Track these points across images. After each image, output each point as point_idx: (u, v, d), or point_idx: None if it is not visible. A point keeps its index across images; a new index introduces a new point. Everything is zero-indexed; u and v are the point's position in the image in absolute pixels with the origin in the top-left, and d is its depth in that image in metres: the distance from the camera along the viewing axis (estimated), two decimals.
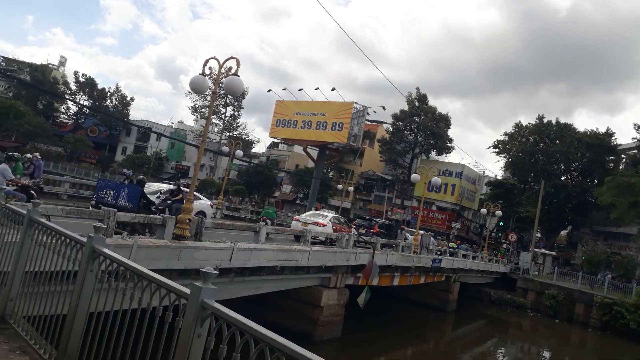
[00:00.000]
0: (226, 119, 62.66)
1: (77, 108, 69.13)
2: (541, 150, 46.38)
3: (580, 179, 45.52)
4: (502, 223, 44.18)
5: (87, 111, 66.59)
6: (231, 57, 9.90)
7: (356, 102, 41.86)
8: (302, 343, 2.01)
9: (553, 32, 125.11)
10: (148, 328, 2.81)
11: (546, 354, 21.74)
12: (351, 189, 41.17)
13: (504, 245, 43.85)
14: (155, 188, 14.03)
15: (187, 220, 9.23)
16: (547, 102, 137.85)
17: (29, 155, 11.36)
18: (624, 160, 43.93)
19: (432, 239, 24.45)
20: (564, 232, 52.63)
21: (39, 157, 13.91)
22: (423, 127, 51.28)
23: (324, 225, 17.41)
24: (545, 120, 46.77)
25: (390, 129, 54.82)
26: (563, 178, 46.83)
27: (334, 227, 17.74)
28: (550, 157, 45.78)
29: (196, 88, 10.41)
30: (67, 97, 63.41)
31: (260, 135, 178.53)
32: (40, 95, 65.41)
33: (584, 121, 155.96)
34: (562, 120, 47.66)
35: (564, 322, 26.82)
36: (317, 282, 13.95)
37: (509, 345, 22.68)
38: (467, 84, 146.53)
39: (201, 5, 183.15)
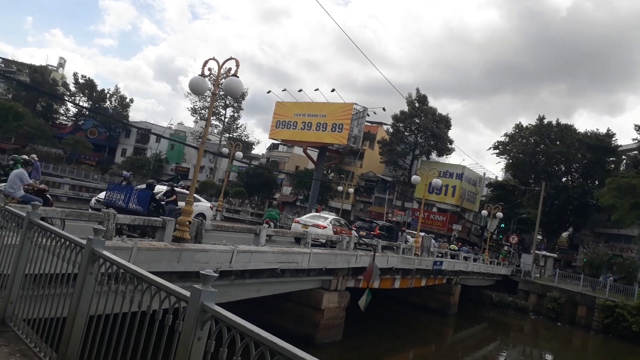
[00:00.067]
0: (226, 120, 62.71)
1: (76, 109, 69.21)
2: (542, 152, 46.38)
3: (581, 180, 45.52)
4: (503, 225, 44.13)
5: (87, 113, 66.64)
6: (230, 58, 9.89)
7: (356, 103, 41.88)
8: (303, 346, 2.00)
9: (553, 32, 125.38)
10: (148, 331, 2.79)
11: (548, 357, 21.68)
12: (351, 190, 41.16)
13: (505, 247, 43.81)
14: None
15: (187, 223, 9.21)
16: (547, 102, 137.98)
17: (25, 157, 11.35)
18: (624, 161, 43.94)
19: (433, 241, 24.41)
20: (565, 234, 52.59)
21: (37, 159, 13.91)
22: (423, 128, 51.29)
23: (325, 227, 17.37)
24: (545, 121, 46.82)
25: (391, 130, 54.84)
26: (564, 179, 46.83)
27: (335, 229, 17.71)
28: (551, 159, 45.80)
29: (195, 89, 10.40)
30: (66, 98, 63.41)
31: (260, 137, 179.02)
32: (39, 96, 65.45)
33: (585, 122, 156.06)
34: (563, 121, 47.80)
35: (565, 325, 26.75)
36: (317, 285, 13.91)
37: (510, 348, 22.63)
38: (467, 85, 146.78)
39: (200, 6, 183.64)
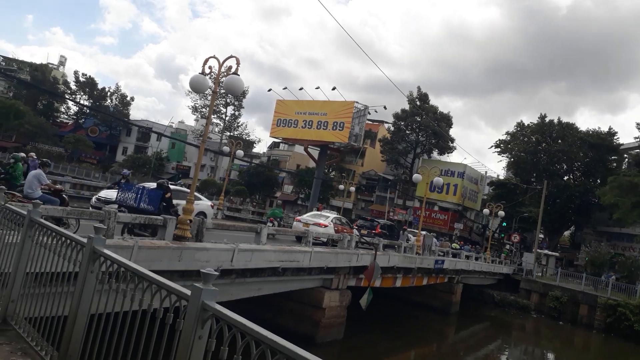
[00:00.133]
0: (227, 118, 62.74)
1: (77, 108, 69.30)
2: (543, 150, 46.30)
3: (583, 178, 45.43)
4: (504, 224, 44.06)
5: (88, 111, 66.73)
6: (231, 56, 9.86)
7: (357, 102, 41.82)
8: (304, 345, 1.99)
9: (554, 30, 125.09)
10: (149, 330, 2.79)
11: (550, 356, 21.66)
12: (353, 189, 41.11)
13: (507, 246, 43.75)
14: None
15: (188, 221, 9.21)
16: (548, 101, 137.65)
17: (22, 155, 11.38)
18: (626, 159, 43.85)
19: (434, 239, 24.39)
20: (567, 233, 52.52)
21: (35, 157, 13.91)
22: (424, 126, 51.24)
23: (326, 226, 17.37)
24: (547, 119, 46.74)
25: (392, 128, 54.80)
26: (565, 178, 46.75)
27: (336, 228, 17.70)
28: (553, 157, 45.71)
29: (196, 87, 10.39)
30: (67, 96, 63.54)
31: (261, 135, 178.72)
32: (40, 95, 65.55)
33: (586, 120, 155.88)
34: (564, 120, 47.58)
35: (567, 324, 26.72)
36: (319, 284, 13.91)
37: (512, 347, 22.61)
38: (468, 83, 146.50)
39: (201, 4, 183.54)
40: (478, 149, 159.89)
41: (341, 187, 36.94)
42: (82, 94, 66.79)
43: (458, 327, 24.01)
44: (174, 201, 10.99)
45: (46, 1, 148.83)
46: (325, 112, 41.73)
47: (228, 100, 60.59)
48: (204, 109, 61.42)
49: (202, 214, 13.96)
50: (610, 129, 43.83)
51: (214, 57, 9.92)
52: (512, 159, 48.70)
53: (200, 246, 9.08)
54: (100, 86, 67.39)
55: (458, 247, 30.43)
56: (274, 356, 2.03)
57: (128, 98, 69.91)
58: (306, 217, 19.08)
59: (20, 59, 73.61)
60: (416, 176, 22.27)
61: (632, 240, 37.64)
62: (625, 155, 43.89)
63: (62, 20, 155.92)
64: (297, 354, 1.94)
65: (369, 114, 43.52)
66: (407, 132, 53.20)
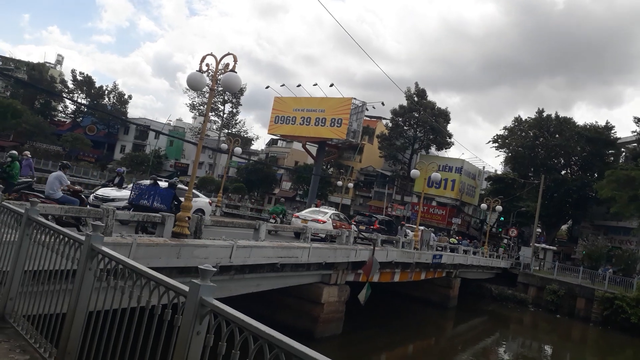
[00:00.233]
0: (224, 116, 62.58)
1: (75, 107, 69.05)
2: (541, 145, 46.37)
3: (580, 173, 45.55)
4: (502, 218, 44.23)
5: (85, 110, 66.47)
6: (228, 54, 9.85)
7: (355, 98, 41.80)
8: (303, 340, 1.99)
9: (551, 25, 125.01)
10: (147, 326, 2.80)
11: (548, 349, 21.77)
12: (351, 185, 41.15)
13: (505, 241, 43.90)
14: None
15: (187, 218, 9.22)
16: (545, 95, 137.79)
17: (13, 152, 11.37)
18: (623, 153, 43.98)
19: (432, 234, 24.43)
20: (564, 227, 52.70)
21: (29, 155, 13.88)
22: (422, 122, 51.24)
23: (324, 222, 17.38)
24: (544, 114, 46.76)
25: (390, 124, 54.79)
26: (563, 172, 46.86)
27: (334, 224, 17.72)
28: (550, 152, 45.79)
29: (193, 85, 10.38)
30: (64, 95, 63.28)
31: (259, 132, 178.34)
32: (37, 94, 65.28)
33: (583, 115, 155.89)
34: (561, 114, 47.85)
35: (565, 317, 26.86)
36: (317, 279, 13.94)
37: (510, 341, 22.72)
38: (466, 78, 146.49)
39: (198, 2, 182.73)
40: (476, 144, 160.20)
41: (339, 183, 36.93)
42: (79, 92, 66.51)
43: (456, 321, 24.11)
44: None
45: (42, 0, 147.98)
46: (323, 109, 41.68)
47: (226, 98, 60.43)
48: (201, 107, 61.27)
49: (200, 211, 13.96)
50: (607, 123, 43.98)
51: (211, 54, 9.92)
52: (510, 154, 48.76)
53: (198, 243, 9.09)
54: (97, 85, 67.17)
55: (456, 241, 30.52)
56: (272, 351, 2.04)
57: (126, 96, 69.69)
58: (304, 213, 19.08)
59: (17, 58, 73.47)
60: (414, 172, 22.29)
61: (629, 234, 37.81)
62: (622, 149, 44.01)
63: (59, 18, 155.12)
64: (295, 348, 1.95)
65: (367, 110, 43.49)
66: (405, 128, 53.19)
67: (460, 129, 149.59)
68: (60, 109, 71.56)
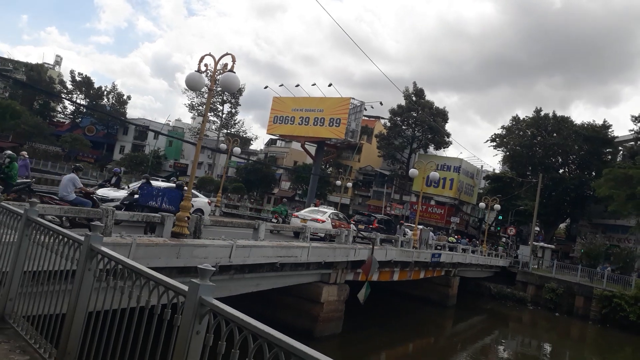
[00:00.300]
0: (223, 116, 62.54)
1: (74, 107, 68.96)
2: (539, 144, 46.43)
3: (578, 171, 45.63)
4: (500, 217, 44.24)
5: (84, 110, 66.39)
6: (227, 54, 9.86)
7: (353, 98, 41.83)
8: (303, 339, 1.99)
9: (548, 24, 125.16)
10: (147, 326, 2.81)
11: (547, 348, 21.82)
12: (350, 185, 41.17)
13: (503, 239, 43.95)
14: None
15: (186, 218, 9.23)
16: (543, 94, 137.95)
17: (9, 152, 11.38)
18: (621, 152, 44.08)
19: (431, 233, 24.47)
20: (562, 225, 52.79)
21: (26, 156, 13.88)
22: (420, 121, 51.28)
23: (323, 222, 17.40)
24: (542, 113, 46.82)
25: (388, 124, 54.82)
26: (561, 171, 46.92)
27: (333, 223, 17.75)
28: (548, 150, 45.85)
29: (192, 85, 10.38)
30: (63, 96, 63.16)
31: (258, 132, 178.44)
32: (36, 94, 65.18)
33: (581, 113, 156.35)
34: (559, 113, 47.93)
35: (563, 315, 26.92)
36: (317, 279, 13.96)
37: (509, 339, 22.76)
38: (464, 78, 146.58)
39: (196, 2, 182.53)
40: (474, 143, 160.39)
41: (338, 182, 36.96)
42: (78, 93, 66.42)
43: (455, 319, 24.15)
44: None
45: (41, 1, 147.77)
46: (322, 109, 41.68)
47: (225, 98, 60.39)
48: (200, 107, 61.22)
49: (199, 211, 13.98)
50: (604, 121, 44.02)
51: (209, 54, 9.92)
52: (508, 153, 48.81)
53: (198, 243, 9.10)
54: (96, 85, 67.09)
55: (455, 240, 30.57)
56: (271, 350, 2.05)
57: (125, 97, 69.61)
58: (304, 213, 19.10)
59: (15, 59, 73.32)
60: (413, 171, 22.33)
61: (627, 232, 37.90)
62: (620, 148, 44.11)
63: (57, 19, 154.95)
64: (294, 347, 1.95)
65: (365, 110, 43.53)
66: (404, 127, 53.21)
67: (459, 129, 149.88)
68: (59, 109, 71.47)
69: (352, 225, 18.50)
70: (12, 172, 10.63)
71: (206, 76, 10.28)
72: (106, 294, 3.15)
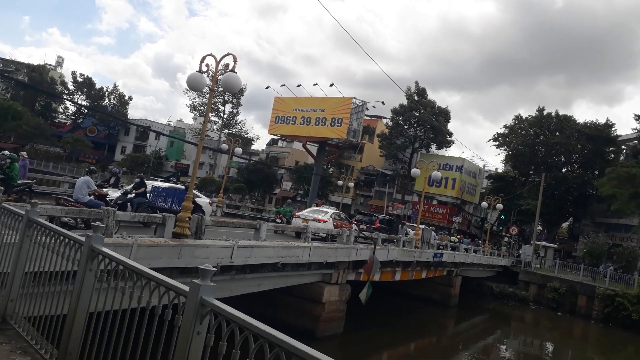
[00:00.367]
0: (225, 116, 62.60)
1: (75, 108, 69.13)
2: (541, 143, 46.33)
3: (581, 170, 45.53)
4: (503, 216, 44.15)
5: (86, 111, 66.54)
6: (228, 54, 9.85)
7: (355, 97, 41.82)
8: (304, 339, 1.98)
9: (550, 23, 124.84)
10: (148, 326, 2.80)
11: (549, 347, 21.77)
12: (351, 184, 41.15)
13: (506, 239, 43.86)
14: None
15: (187, 219, 9.22)
16: (546, 94, 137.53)
17: (6, 153, 11.42)
18: (624, 151, 43.95)
19: (433, 233, 24.41)
20: (565, 225, 52.68)
21: (26, 156, 13.91)
22: (422, 121, 51.22)
23: (325, 222, 17.38)
24: (545, 112, 46.72)
25: (390, 123, 54.76)
26: (563, 170, 46.83)
27: (335, 223, 17.73)
28: (551, 149, 45.76)
29: (193, 85, 10.38)
30: (65, 97, 63.36)
31: (259, 132, 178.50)
32: (38, 95, 65.36)
33: (584, 112, 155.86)
34: (562, 112, 47.66)
35: (566, 315, 26.86)
36: (318, 279, 13.95)
37: (511, 338, 22.73)
38: (466, 77, 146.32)
39: (197, 3, 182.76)
40: (476, 142, 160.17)
41: (340, 182, 36.95)
42: (80, 94, 66.59)
43: (457, 319, 24.11)
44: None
45: (42, 2, 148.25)
46: (323, 109, 41.68)
47: (226, 98, 60.44)
48: (202, 107, 61.28)
49: (200, 211, 13.97)
50: (607, 120, 43.94)
51: (211, 55, 9.92)
52: (510, 152, 48.73)
53: (199, 243, 9.10)
54: (98, 86, 67.30)
55: (457, 240, 30.52)
56: (272, 350, 2.04)
57: (126, 97, 69.83)
58: (305, 213, 19.09)
59: (17, 60, 73.46)
60: (415, 170, 22.28)
61: (630, 231, 37.80)
62: (622, 147, 43.98)
63: (59, 20, 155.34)
64: (295, 347, 1.94)
65: (367, 109, 43.52)
66: (406, 127, 53.17)
67: (461, 128, 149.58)
68: (60, 110, 71.67)
69: (353, 225, 18.48)
70: (12, 172, 10.65)
71: (207, 76, 10.29)
72: (107, 294, 3.15)
